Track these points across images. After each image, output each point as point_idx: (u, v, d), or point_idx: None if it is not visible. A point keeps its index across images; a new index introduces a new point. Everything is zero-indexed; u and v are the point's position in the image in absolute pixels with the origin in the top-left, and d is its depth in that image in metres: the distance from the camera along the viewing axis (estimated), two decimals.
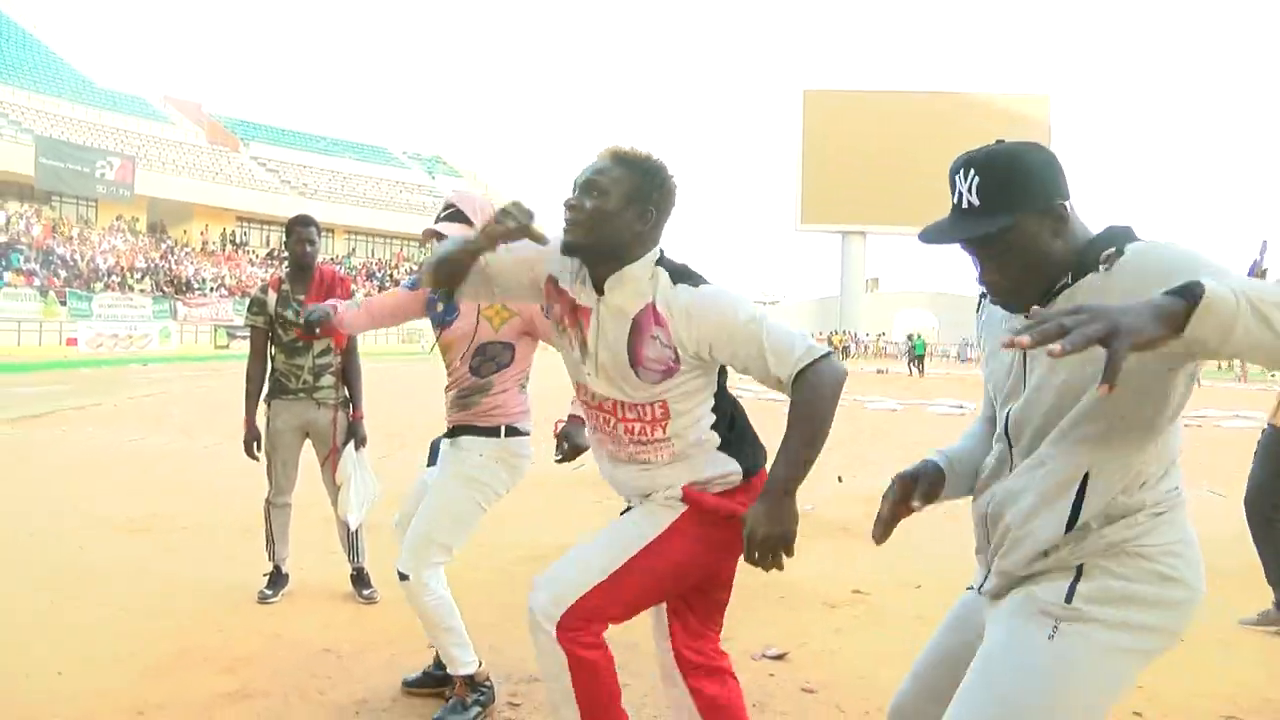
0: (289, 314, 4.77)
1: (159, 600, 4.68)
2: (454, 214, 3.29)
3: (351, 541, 4.86)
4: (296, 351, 4.78)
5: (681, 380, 2.27)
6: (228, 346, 37.65)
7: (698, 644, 2.56)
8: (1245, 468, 4.81)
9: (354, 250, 57.40)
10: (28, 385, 18.15)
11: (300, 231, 4.81)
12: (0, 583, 4.91)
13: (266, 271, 46.46)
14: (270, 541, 4.89)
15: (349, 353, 4.90)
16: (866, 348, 38.66)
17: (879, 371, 37.33)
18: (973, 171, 1.73)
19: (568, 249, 2.25)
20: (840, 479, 8.64)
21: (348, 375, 4.90)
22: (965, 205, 1.74)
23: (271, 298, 4.82)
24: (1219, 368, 38.55)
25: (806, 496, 7.89)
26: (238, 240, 52.05)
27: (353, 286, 4.94)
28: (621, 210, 2.20)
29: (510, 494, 3.49)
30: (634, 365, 2.26)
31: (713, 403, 2.36)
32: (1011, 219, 1.70)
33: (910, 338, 40.70)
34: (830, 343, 55.14)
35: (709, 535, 2.36)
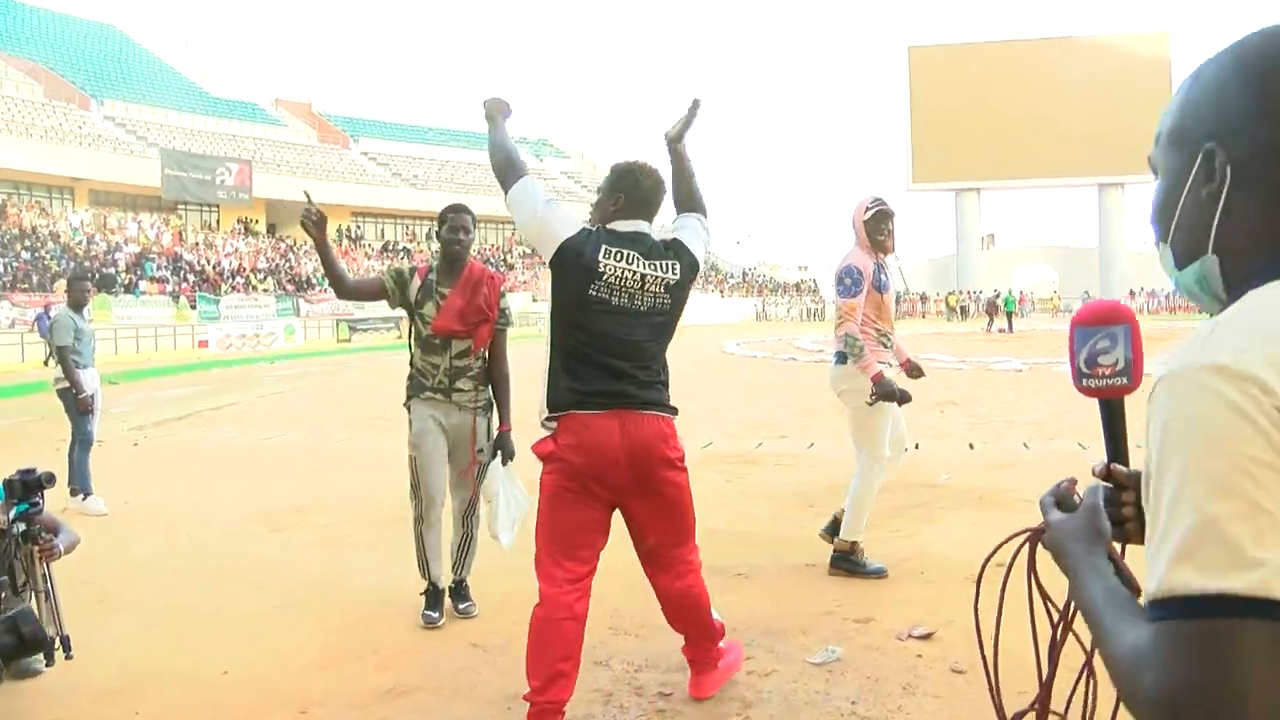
0: (429, 307, 4.43)
1: (309, 596, 4.85)
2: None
3: (460, 553, 4.59)
4: (434, 349, 4.42)
5: None
6: (349, 340, 38.71)
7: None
8: None
9: None
10: (167, 389, 18.95)
11: (454, 219, 4.46)
12: (164, 583, 5.15)
13: (383, 263, 47.48)
14: (424, 563, 4.50)
15: (495, 358, 4.52)
16: (997, 307, 37.79)
17: (1000, 330, 36.32)
18: None
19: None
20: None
21: (494, 382, 4.54)
22: None
23: (415, 284, 4.47)
24: None
25: (941, 467, 7.80)
26: (353, 235, 53.32)
27: (502, 288, 4.55)
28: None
29: None
30: None
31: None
32: None
33: (995, 293, 40.90)
34: (947, 304, 54.32)
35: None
